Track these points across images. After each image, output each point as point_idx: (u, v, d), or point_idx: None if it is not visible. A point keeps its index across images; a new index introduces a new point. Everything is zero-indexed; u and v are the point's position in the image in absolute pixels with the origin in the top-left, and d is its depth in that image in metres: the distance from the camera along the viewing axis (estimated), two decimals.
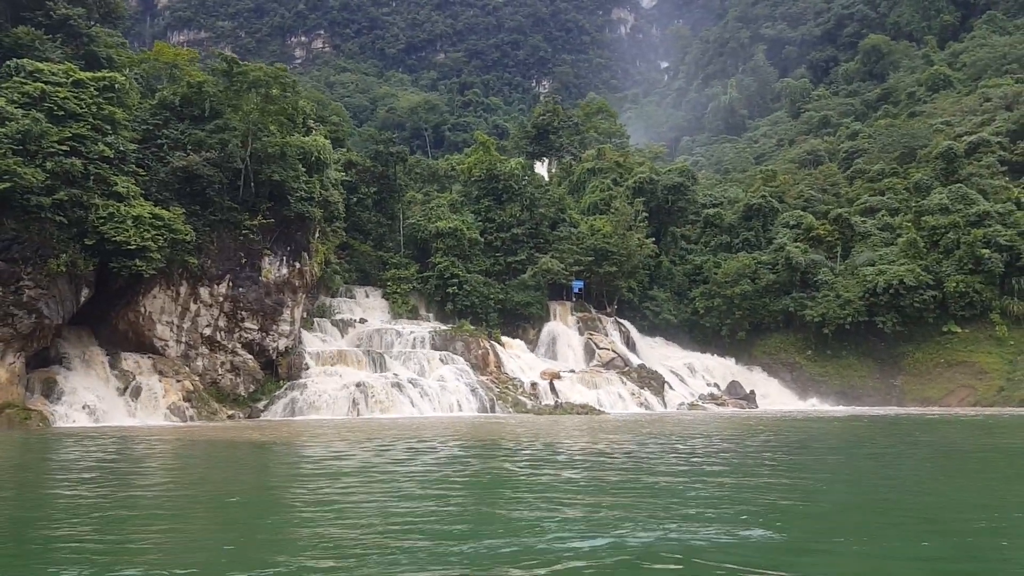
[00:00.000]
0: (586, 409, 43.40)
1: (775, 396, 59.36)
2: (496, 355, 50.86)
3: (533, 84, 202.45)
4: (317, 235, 48.46)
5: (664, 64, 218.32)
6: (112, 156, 36.56)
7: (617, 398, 48.59)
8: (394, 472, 17.07)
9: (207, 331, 42.06)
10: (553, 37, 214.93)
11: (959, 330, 57.29)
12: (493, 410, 43.56)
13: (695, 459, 19.62)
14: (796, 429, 32.66)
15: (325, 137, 51.09)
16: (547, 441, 25.32)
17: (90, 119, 36.14)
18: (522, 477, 16.49)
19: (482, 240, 60.66)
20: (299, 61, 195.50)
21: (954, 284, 56.70)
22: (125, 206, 35.98)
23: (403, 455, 20.60)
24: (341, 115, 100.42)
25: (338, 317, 53.78)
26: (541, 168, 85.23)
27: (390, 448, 22.52)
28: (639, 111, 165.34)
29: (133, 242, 35.26)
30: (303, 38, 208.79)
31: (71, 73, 37.17)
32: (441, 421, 36.71)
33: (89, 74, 37.99)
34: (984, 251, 56.40)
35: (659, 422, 35.62)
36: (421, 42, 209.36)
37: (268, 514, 12.47)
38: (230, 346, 42.94)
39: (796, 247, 64.46)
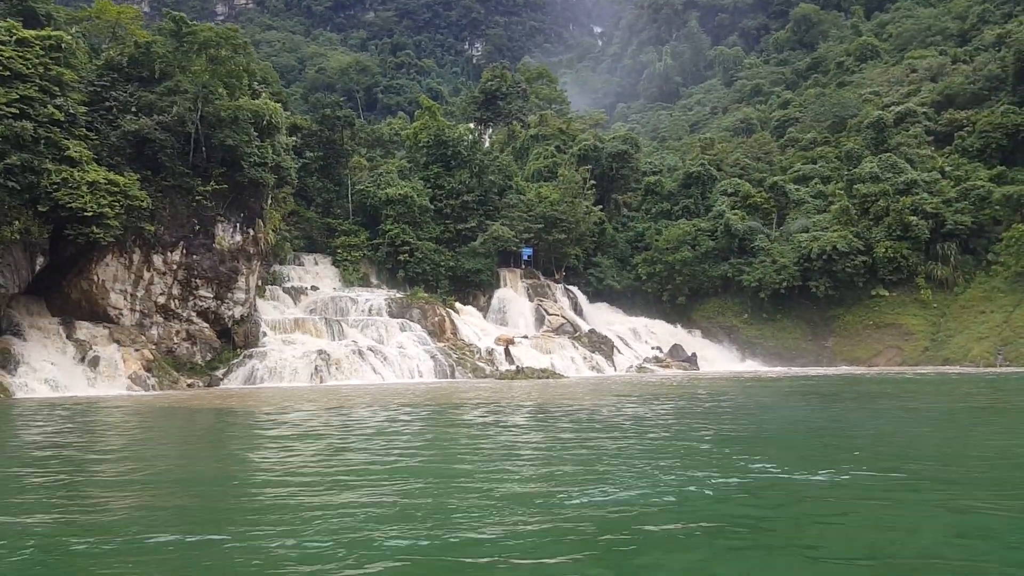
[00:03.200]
0: (546, 374, 44.35)
1: (715, 358, 61.41)
2: (452, 322, 51.32)
3: (466, 47, 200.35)
4: (270, 201, 47.81)
5: (598, 29, 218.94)
6: (62, 119, 35.32)
7: (570, 362, 49.70)
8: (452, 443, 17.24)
9: (161, 299, 41.33)
10: None
11: (887, 294, 60.26)
12: (453, 376, 44.14)
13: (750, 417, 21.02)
14: (778, 390, 33.85)
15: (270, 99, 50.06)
16: (561, 405, 25.75)
17: (38, 80, 34.80)
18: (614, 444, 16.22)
19: (432, 207, 60.42)
20: (221, 18, 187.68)
21: (883, 250, 59.44)
22: (79, 171, 34.93)
23: (426, 423, 20.83)
24: (271, 75, 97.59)
25: (289, 285, 53.26)
26: (483, 134, 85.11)
27: (397, 412, 22.86)
28: (574, 76, 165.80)
29: (89, 208, 34.33)
30: None
31: (14, 31, 35.54)
32: (409, 387, 37.07)
33: (34, 32, 36.41)
34: (911, 218, 59.21)
35: (630, 383, 36.68)
36: (349, 0, 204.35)
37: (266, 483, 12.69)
38: (185, 314, 42.32)
39: (734, 214, 66.35)
